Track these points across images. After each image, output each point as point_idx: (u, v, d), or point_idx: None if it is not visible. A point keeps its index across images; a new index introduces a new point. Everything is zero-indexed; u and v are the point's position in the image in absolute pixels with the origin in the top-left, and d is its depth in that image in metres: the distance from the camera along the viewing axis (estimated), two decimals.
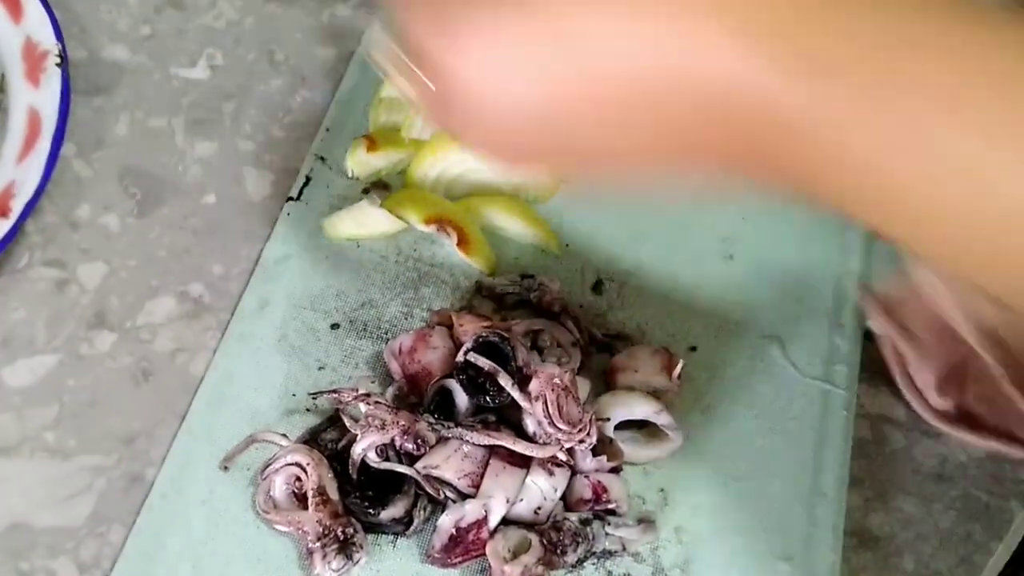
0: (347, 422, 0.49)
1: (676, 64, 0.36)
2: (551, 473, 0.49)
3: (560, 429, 0.48)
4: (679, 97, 0.36)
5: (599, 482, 0.49)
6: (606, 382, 0.54)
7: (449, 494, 0.49)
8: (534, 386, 0.48)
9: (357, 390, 0.50)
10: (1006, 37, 0.35)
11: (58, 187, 0.61)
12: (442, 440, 0.49)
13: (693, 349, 0.56)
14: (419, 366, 0.52)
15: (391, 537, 0.50)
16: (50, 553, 0.50)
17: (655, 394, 0.52)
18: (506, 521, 0.48)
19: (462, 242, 0.57)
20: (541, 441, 0.48)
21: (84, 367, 0.55)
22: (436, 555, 0.48)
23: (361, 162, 0.60)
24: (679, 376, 0.52)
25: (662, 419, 0.51)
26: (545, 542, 0.48)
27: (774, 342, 0.57)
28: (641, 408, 0.51)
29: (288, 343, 0.56)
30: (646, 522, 0.50)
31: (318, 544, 0.48)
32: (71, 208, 0.60)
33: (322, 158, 0.62)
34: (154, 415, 0.54)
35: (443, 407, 0.50)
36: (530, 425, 0.48)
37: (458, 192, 0.60)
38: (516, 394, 0.48)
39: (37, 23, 0.61)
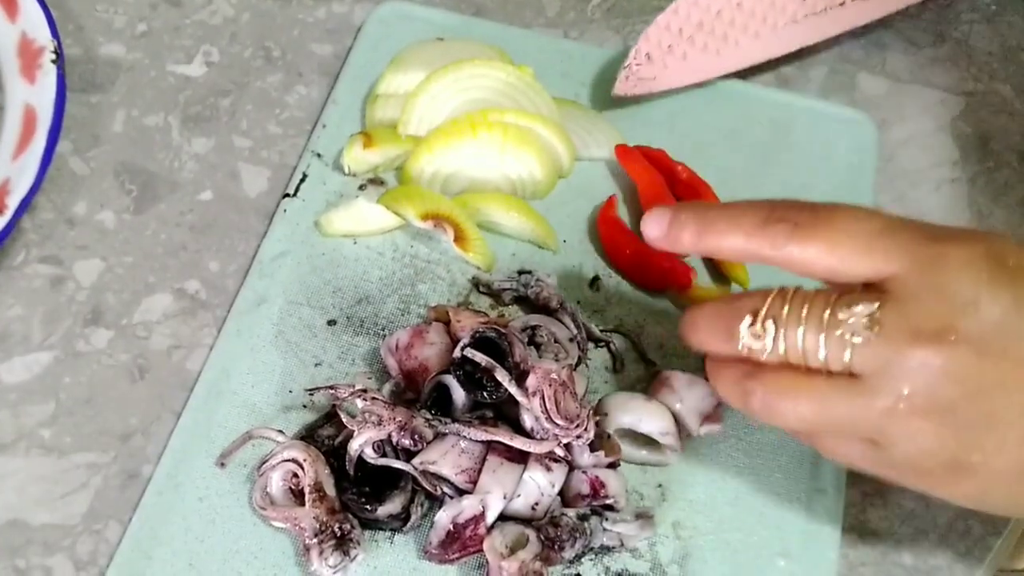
0: (344, 418, 0.49)
1: None
2: (549, 469, 0.49)
3: (557, 424, 0.47)
4: None
5: (597, 477, 0.49)
6: (645, 389, 0.54)
7: (446, 490, 0.49)
8: (531, 381, 0.48)
9: (354, 386, 0.50)
10: None
11: (54, 184, 0.61)
12: (439, 436, 0.49)
13: None
14: (416, 362, 0.52)
15: (388, 533, 0.50)
16: (46, 550, 0.50)
17: (678, 423, 0.52)
18: (503, 517, 0.48)
19: (459, 239, 0.57)
20: (538, 437, 0.48)
21: (80, 364, 0.55)
22: (433, 551, 0.48)
23: (357, 158, 0.60)
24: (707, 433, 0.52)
25: (667, 441, 0.51)
26: (543, 538, 0.48)
27: None
28: (650, 424, 0.51)
29: (285, 339, 0.56)
30: (644, 517, 0.50)
31: (315, 540, 0.48)
32: (67, 205, 0.60)
33: (319, 154, 0.62)
34: (150, 412, 0.54)
35: (440, 403, 0.50)
36: (527, 421, 0.48)
37: (454, 188, 0.60)
38: (513, 389, 0.47)
39: (33, 20, 0.61)
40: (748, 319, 0.43)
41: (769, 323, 0.42)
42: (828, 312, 0.41)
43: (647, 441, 0.52)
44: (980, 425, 0.40)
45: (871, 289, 0.41)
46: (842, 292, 0.42)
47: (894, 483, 0.44)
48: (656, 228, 0.47)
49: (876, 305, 0.40)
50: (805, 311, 0.41)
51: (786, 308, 0.42)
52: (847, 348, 0.40)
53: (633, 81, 0.61)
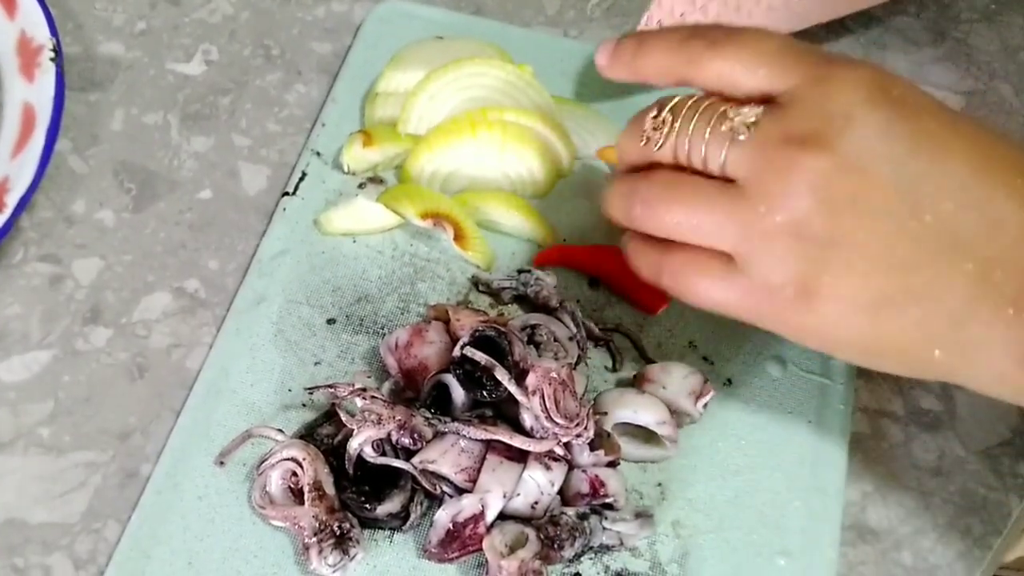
0: (343, 417, 0.49)
1: None
2: (548, 467, 0.49)
3: (557, 423, 0.47)
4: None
5: (596, 476, 0.49)
6: (634, 387, 0.54)
7: (446, 489, 0.49)
8: (531, 380, 0.48)
9: (353, 385, 0.50)
10: None
11: (53, 182, 0.61)
12: (439, 435, 0.49)
13: (728, 383, 0.55)
14: (415, 361, 0.52)
15: (388, 532, 0.50)
16: (45, 549, 0.50)
17: (673, 411, 0.52)
18: (503, 516, 0.48)
19: (459, 237, 0.57)
20: (538, 436, 0.48)
21: (79, 363, 0.55)
22: (433, 550, 0.48)
23: (357, 157, 0.60)
24: (705, 406, 0.52)
25: (664, 430, 0.51)
26: (542, 537, 0.48)
27: (771, 336, 0.56)
28: (646, 415, 0.51)
29: (284, 338, 0.56)
30: (643, 516, 0.50)
31: (314, 539, 0.48)
32: (66, 203, 0.60)
33: (318, 153, 0.62)
34: (149, 411, 0.54)
35: (440, 402, 0.50)
36: (527, 420, 0.48)
37: (454, 187, 0.60)
38: (513, 388, 0.47)
39: (32, 18, 0.61)
40: (654, 111, 0.46)
41: (668, 116, 0.46)
42: (719, 111, 0.44)
43: (646, 439, 0.52)
44: (831, 242, 0.41)
45: (763, 100, 0.44)
46: (739, 101, 0.45)
47: (747, 322, 0.45)
48: (603, 55, 0.51)
49: (760, 109, 0.43)
50: (702, 107, 0.45)
51: (687, 105, 0.45)
52: (725, 145, 0.43)
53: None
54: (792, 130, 0.42)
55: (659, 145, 0.46)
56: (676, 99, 0.46)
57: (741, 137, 0.43)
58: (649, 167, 0.47)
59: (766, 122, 0.43)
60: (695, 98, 0.46)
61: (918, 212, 0.41)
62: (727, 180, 0.44)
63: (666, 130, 0.45)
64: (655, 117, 0.46)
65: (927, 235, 0.41)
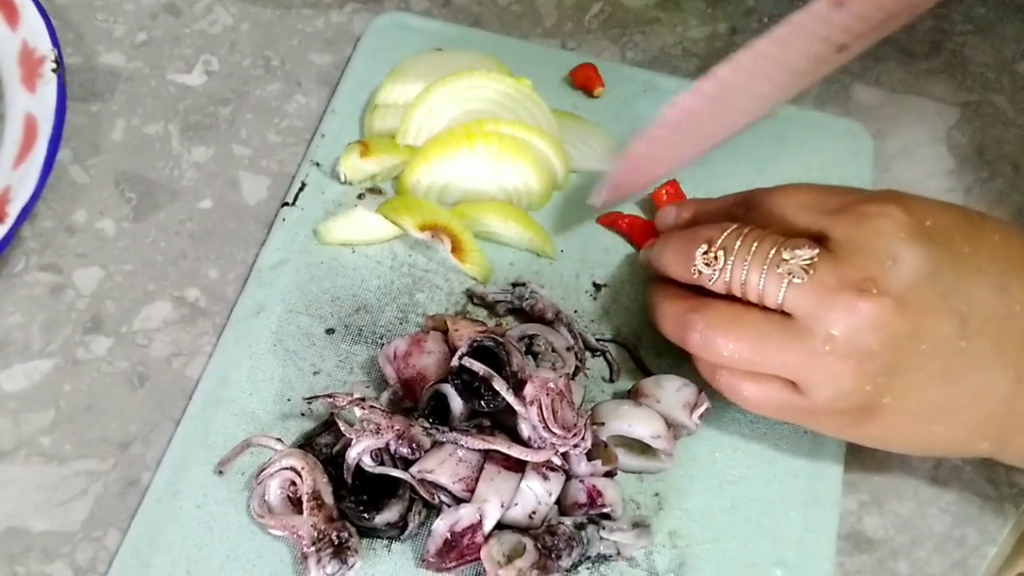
0: (342, 426, 0.49)
1: None
2: (545, 477, 0.49)
3: (555, 433, 0.48)
4: None
5: (594, 486, 0.49)
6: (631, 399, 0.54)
7: (444, 498, 0.49)
8: (529, 391, 0.48)
9: (352, 394, 0.50)
10: None
11: (54, 192, 0.61)
12: (437, 444, 0.49)
13: None
14: (414, 371, 0.52)
15: (386, 541, 0.50)
16: (46, 557, 0.50)
17: (670, 424, 0.52)
18: (501, 525, 0.48)
19: (456, 249, 0.57)
20: (536, 445, 0.48)
21: (80, 372, 0.56)
22: (431, 559, 0.48)
23: (354, 167, 0.60)
24: (700, 417, 0.52)
25: (659, 444, 0.51)
26: (540, 546, 0.48)
27: None
28: (641, 429, 0.51)
29: (283, 348, 0.56)
30: (640, 526, 0.50)
31: (313, 548, 0.48)
32: (67, 213, 0.61)
33: (317, 164, 0.62)
34: (150, 419, 0.54)
35: (438, 411, 0.50)
36: (525, 429, 0.49)
37: (450, 199, 0.61)
38: (511, 398, 0.48)
39: (33, 29, 0.61)
40: (704, 247, 0.49)
41: (721, 252, 0.48)
42: (774, 251, 0.46)
43: (642, 450, 0.52)
44: (893, 370, 0.45)
45: (815, 240, 0.47)
46: (791, 237, 0.47)
47: (808, 427, 0.49)
48: (669, 216, 0.57)
49: (816, 252, 0.46)
50: (755, 247, 0.47)
51: (739, 242, 0.48)
52: (783, 286, 0.46)
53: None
54: (846, 276, 0.45)
55: (713, 280, 0.48)
56: (725, 235, 0.48)
57: (797, 280, 0.45)
58: (692, 286, 0.50)
59: (821, 267, 0.45)
60: (744, 234, 0.48)
61: (966, 331, 0.45)
62: (782, 312, 0.47)
63: (719, 266, 0.48)
64: (705, 253, 0.48)
65: (974, 349, 0.45)
